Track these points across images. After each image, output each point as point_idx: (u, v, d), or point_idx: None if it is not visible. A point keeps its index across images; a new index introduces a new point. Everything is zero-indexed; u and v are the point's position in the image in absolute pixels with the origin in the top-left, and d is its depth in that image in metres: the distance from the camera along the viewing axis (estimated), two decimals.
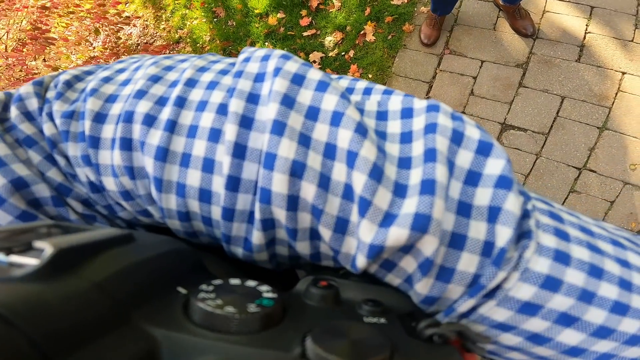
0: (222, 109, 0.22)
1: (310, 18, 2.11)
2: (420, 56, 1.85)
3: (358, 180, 0.19)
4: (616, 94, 1.60)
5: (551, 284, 0.19)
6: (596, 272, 0.20)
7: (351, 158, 0.20)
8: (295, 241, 0.22)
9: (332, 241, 0.21)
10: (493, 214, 0.19)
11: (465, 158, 0.20)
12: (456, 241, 0.19)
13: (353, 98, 0.24)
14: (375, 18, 1.98)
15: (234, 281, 0.18)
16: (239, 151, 0.21)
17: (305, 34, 2.10)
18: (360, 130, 0.20)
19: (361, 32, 1.99)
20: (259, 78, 0.22)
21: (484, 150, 0.21)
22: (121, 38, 2.45)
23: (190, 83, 0.23)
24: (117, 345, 0.13)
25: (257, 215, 0.21)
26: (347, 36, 2.02)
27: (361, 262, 0.20)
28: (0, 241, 0.15)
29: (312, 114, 0.21)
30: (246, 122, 0.21)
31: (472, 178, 0.20)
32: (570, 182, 1.56)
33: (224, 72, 0.24)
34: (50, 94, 0.25)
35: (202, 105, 0.22)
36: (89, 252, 0.16)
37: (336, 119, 0.21)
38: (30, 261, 0.14)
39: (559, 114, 1.64)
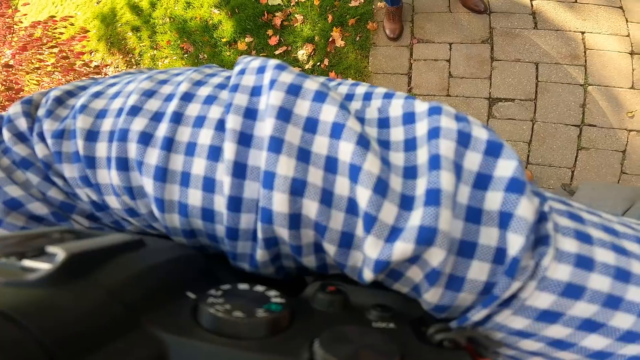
0: (221, 125, 0.20)
1: (278, 36, 2.03)
2: (392, 50, 1.79)
3: (362, 195, 0.18)
4: (584, 52, 1.57)
5: (573, 291, 0.18)
6: (623, 275, 0.18)
7: (354, 172, 0.18)
8: (301, 257, 0.20)
9: (337, 256, 0.19)
10: (504, 220, 0.17)
11: (473, 160, 0.18)
12: (465, 249, 0.18)
13: (353, 105, 0.21)
14: (339, 23, 1.92)
15: (243, 286, 0.17)
16: (239, 170, 0.19)
17: (277, 52, 2.00)
18: (362, 142, 0.18)
19: (330, 40, 1.91)
20: (256, 91, 0.20)
21: (493, 151, 0.18)
22: None
23: (187, 97, 0.21)
24: (127, 350, 0.13)
25: (260, 235, 0.19)
26: (318, 46, 1.94)
27: (368, 276, 0.19)
28: (13, 246, 0.15)
29: (311, 126, 0.19)
30: (245, 139, 0.19)
31: (482, 181, 0.18)
32: (574, 140, 1.51)
33: (221, 86, 0.22)
34: (41, 112, 0.23)
35: (199, 121, 0.20)
36: (100, 258, 0.15)
37: (336, 131, 0.19)
38: (42, 266, 0.14)
39: (538, 79, 1.60)
